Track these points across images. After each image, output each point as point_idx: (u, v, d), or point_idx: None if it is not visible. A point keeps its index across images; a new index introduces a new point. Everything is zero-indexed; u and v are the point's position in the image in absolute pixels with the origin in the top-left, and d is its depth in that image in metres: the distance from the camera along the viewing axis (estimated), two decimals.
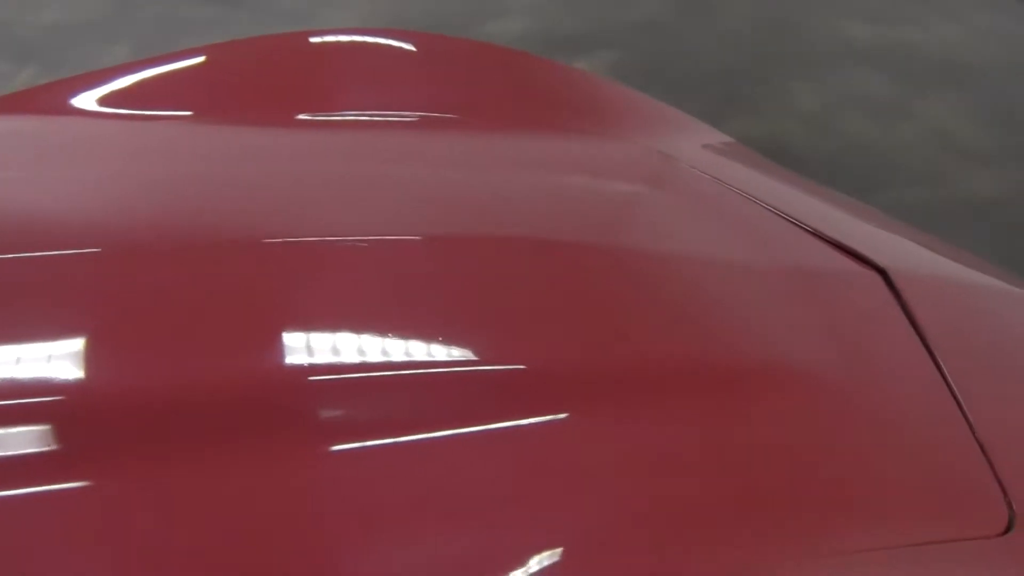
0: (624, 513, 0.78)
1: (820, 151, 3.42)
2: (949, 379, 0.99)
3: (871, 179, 3.25)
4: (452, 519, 0.74)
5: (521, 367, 0.88)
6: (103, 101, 1.38)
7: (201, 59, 1.49)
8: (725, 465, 0.84)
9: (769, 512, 0.81)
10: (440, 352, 0.87)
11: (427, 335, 0.88)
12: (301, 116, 1.38)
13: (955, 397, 0.97)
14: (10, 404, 0.75)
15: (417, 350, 0.86)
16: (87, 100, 1.38)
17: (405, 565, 0.70)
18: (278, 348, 0.84)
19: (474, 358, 0.88)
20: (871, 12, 4.47)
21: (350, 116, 1.39)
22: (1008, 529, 0.84)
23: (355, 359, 0.84)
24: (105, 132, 1.32)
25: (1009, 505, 0.86)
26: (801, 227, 1.20)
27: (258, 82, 1.47)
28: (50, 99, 1.40)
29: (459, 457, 0.78)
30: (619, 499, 0.78)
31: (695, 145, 1.53)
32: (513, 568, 0.70)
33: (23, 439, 0.73)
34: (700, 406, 0.87)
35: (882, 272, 1.13)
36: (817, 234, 1.19)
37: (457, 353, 0.88)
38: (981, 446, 0.92)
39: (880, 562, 0.78)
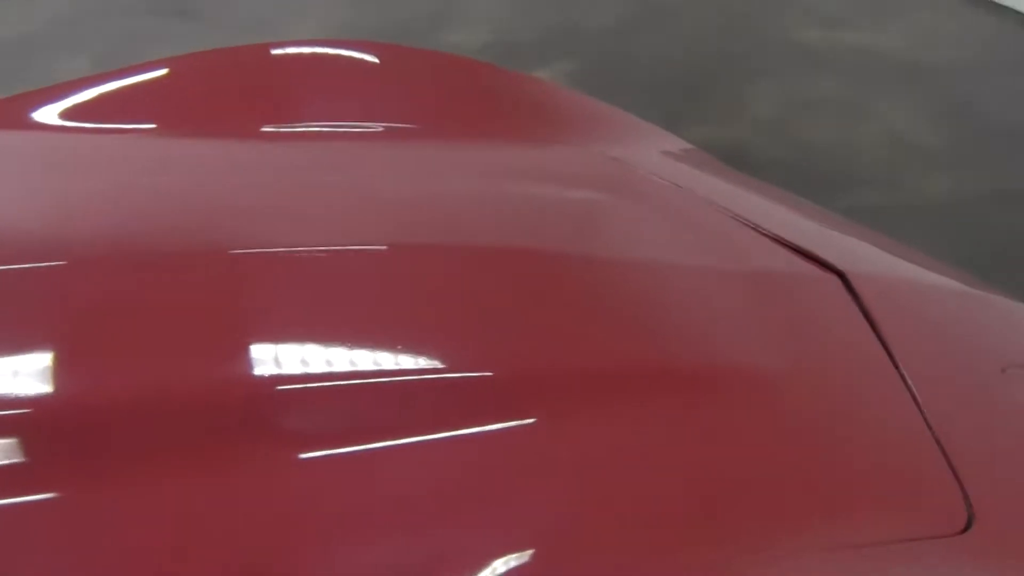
0: (589, 515, 0.78)
1: (776, 156, 3.44)
2: (908, 380, 1.00)
3: (829, 183, 3.28)
4: (420, 524, 0.74)
5: (488, 374, 0.89)
6: (64, 115, 1.37)
7: (163, 72, 1.48)
8: (687, 468, 0.85)
9: (731, 513, 0.82)
10: (406, 361, 0.87)
11: (392, 344, 0.88)
12: (265, 128, 1.38)
13: (914, 398, 0.98)
14: None
15: (382, 359, 0.87)
16: (48, 114, 1.37)
17: (375, 570, 0.71)
18: (245, 359, 0.84)
19: (441, 366, 0.89)
20: (825, 16, 4.52)
21: (314, 128, 1.39)
22: (967, 527, 0.85)
23: (322, 369, 0.84)
24: (67, 146, 1.32)
25: (968, 504, 0.87)
26: (760, 232, 1.22)
27: (220, 94, 1.47)
28: (10, 113, 1.38)
29: (427, 463, 0.78)
30: (584, 501, 0.79)
31: (655, 151, 1.54)
32: (483, 570, 0.70)
33: None
34: (661, 410, 0.88)
35: (841, 275, 1.14)
36: (776, 239, 1.20)
37: (423, 361, 0.88)
38: (940, 446, 0.93)
39: (841, 562, 0.79)
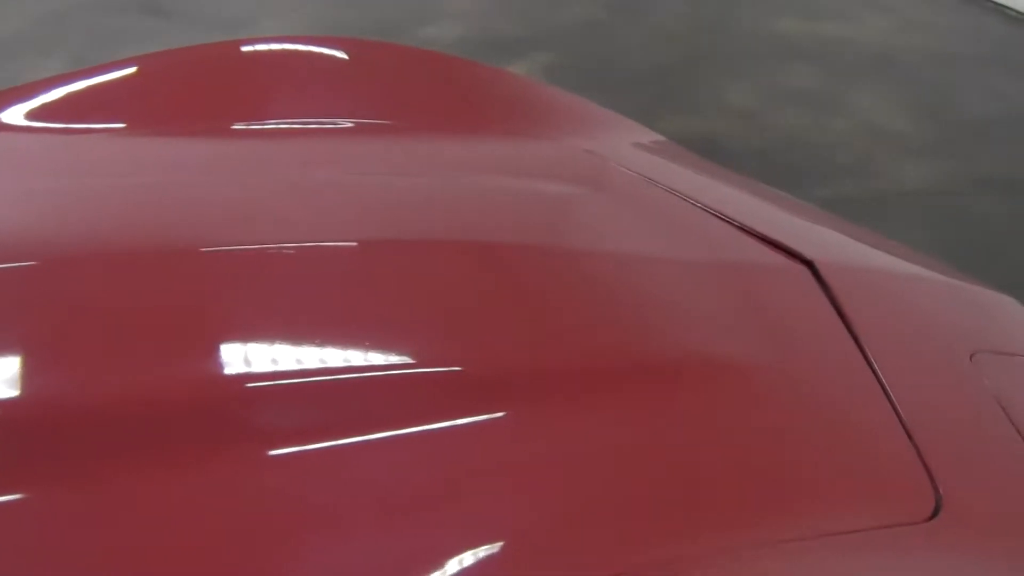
0: (561, 510, 0.79)
1: (755, 147, 3.45)
2: (876, 368, 1.00)
3: (807, 173, 3.29)
4: (391, 521, 0.74)
5: (457, 368, 0.89)
6: (32, 115, 1.36)
7: (132, 70, 1.47)
8: (657, 459, 0.85)
9: (702, 505, 0.82)
10: (376, 357, 0.87)
11: (362, 340, 0.88)
12: (236, 126, 1.37)
13: (882, 386, 0.99)
14: None
15: (351, 355, 0.87)
16: (15, 115, 1.36)
17: (344, 568, 0.71)
18: (215, 356, 0.84)
19: (410, 361, 0.89)
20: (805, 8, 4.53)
21: (284, 125, 1.38)
22: (935, 514, 0.86)
23: (293, 365, 0.84)
24: (36, 147, 1.31)
25: (936, 490, 0.88)
26: (730, 222, 1.22)
27: (191, 92, 1.46)
28: None
29: (397, 459, 0.78)
30: (556, 496, 0.79)
31: (626, 144, 1.54)
32: (452, 566, 0.71)
33: None
34: (631, 403, 0.88)
35: (810, 264, 1.14)
36: (745, 229, 1.21)
37: (394, 356, 0.89)
38: (908, 433, 0.94)
39: (811, 550, 0.79)
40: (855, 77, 3.98)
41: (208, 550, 0.70)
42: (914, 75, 4.03)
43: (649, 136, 1.69)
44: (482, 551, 0.72)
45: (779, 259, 1.16)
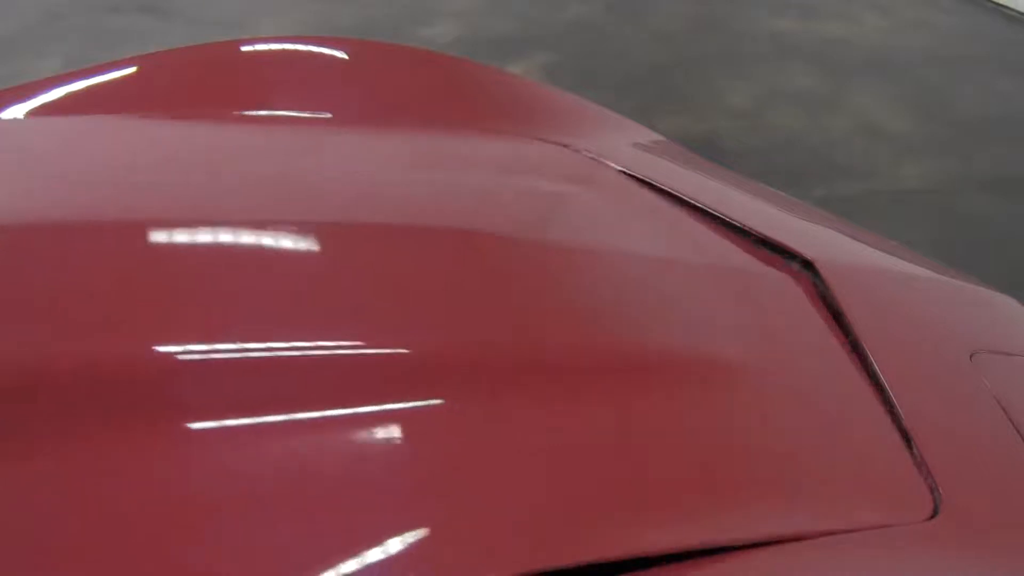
0: (507, 500, 0.76)
1: (754, 147, 3.45)
2: (875, 368, 1.00)
3: (806, 173, 3.29)
4: (319, 502, 0.72)
5: (404, 351, 0.87)
6: (33, 115, 1.36)
7: (132, 69, 1.47)
8: (656, 459, 0.84)
9: (700, 503, 0.82)
10: (324, 334, 0.85)
11: (311, 318, 0.87)
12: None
13: (881, 386, 0.99)
14: None
15: (302, 332, 0.85)
16: (15, 114, 1.36)
17: (267, 551, 0.69)
18: (153, 329, 0.82)
19: (357, 341, 0.87)
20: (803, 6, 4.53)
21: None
22: (934, 514, 0.86)
23: (226, 340, 0.82)
24: (34, 144, 1.31)
25: (936, 490, 0.88)
26: (727, 221, 1.22)
27: (190, 92, 1.46)
28: None
29: (334, 439, 0.77)
30: (501, 487, 0.77)
31: (626, 144, 1.54)
32: (377, 553, 0.69)
33: None
34: (605, 394, 0.87)
35: (809, 264, 1.14)
36: (745, 228, 1.20)
37: (342, 335, 0.86)
38: (907, 433, 0.93)
39: (809, 549, 0.79)
40: (854, 77, 3.98)
41: (124, 529, 0.68)
42: (913, 75, 4.04)
43: (649, 136, 1.69)
44: (409, 541, 0.71)
45: (779, 259, 1.16)
